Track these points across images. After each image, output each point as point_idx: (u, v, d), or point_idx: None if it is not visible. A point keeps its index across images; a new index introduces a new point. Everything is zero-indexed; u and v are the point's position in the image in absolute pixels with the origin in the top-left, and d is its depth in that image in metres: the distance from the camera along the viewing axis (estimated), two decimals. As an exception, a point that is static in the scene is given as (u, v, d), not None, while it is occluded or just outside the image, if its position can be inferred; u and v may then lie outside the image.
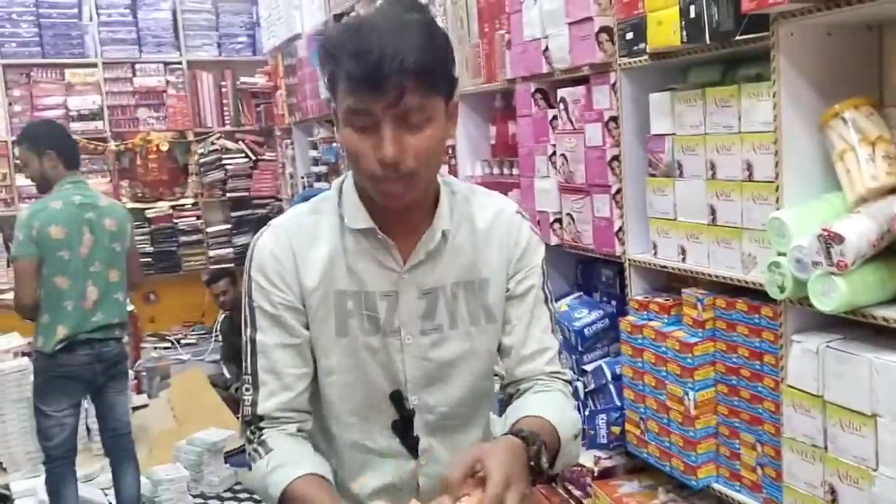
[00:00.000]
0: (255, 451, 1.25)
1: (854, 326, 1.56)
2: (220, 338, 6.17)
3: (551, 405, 1.25)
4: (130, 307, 6.23)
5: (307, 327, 1.27)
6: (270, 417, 1.26)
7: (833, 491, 1.54)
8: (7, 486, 4.29)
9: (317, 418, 1.33)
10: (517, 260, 1.31)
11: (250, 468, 1.27)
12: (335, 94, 1.18)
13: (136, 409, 5.25)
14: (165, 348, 6.34)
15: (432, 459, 1.32)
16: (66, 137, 3.52)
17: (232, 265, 6.36)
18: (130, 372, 5.31)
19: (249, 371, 1.28)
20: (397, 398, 1.29)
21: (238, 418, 1.33)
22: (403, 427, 1.30)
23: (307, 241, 1.28)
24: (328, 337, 1.27)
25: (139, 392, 5.69)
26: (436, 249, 1.27)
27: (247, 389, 1.28)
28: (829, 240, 1.43)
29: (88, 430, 4.60)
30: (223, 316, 5.92)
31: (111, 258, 3.48)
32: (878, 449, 1.44)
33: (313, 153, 5.21)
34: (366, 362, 1.27)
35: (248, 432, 1.28)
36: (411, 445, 1.31)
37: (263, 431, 1.26)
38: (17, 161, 3.63)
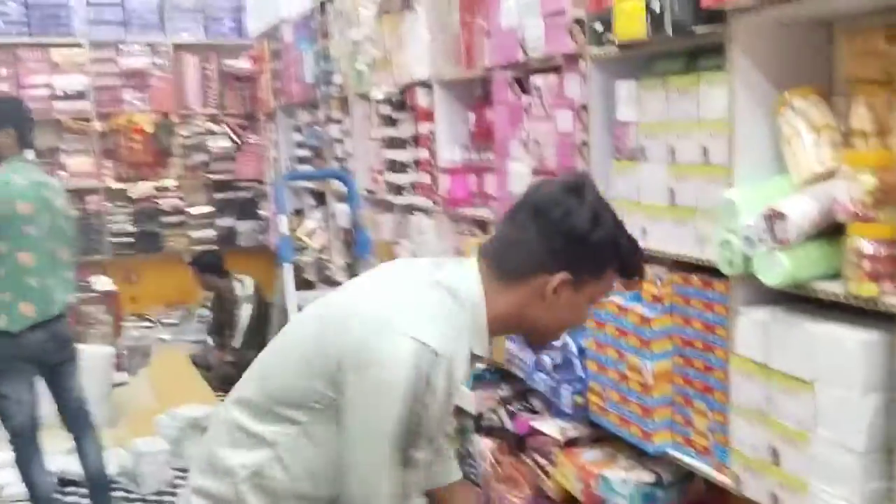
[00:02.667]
0: None
1: (798, 301, 1.68)
2: (209, 311, 6.20)
3: None
4: (112, 287, 6.32)
5: None
6: None
7: (775, 453, 1.66)
8: (-12, 458, 4.36)
9: None
10: None
11: None
12: (598, 275, 1.42)
13: (115, 385, 5.34)
14: (146, 328, 6.42)
15: None
16: (28, 119, 3.48)
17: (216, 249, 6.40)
18: (111, 349, 5.40)
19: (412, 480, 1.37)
20: None
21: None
22: None
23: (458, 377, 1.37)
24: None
25: (119, 370, 5.77)
26: None
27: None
28: (773, 218, 1.55)
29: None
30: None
31: (62, 236, 3.47)
32: (816, 412, 1.57)
33: (297, 137, 5.30)
34: None
35: None
36: None
37: None
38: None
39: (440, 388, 1.29)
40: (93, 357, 4.87)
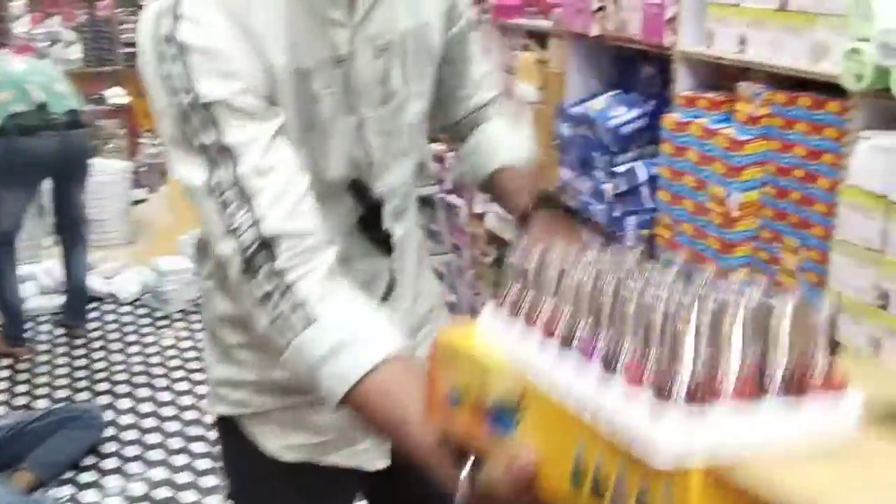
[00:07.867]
0: (279, 307, 0.87)
1: (932, 124, 1.45)
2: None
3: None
4: (126, 100, 6.07)
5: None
6: (285, 236, 0.89)
7: (885, 296, 1.47)
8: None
9: None
10: None
11: (273, 324, 0.88)
12: None
13: (134, 203, 5.21)
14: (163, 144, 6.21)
15: (402, 249, 1.14)
16: None
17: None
18: (128, 163, 5.23)
19: (227, 184, 0.89)
20: (359, 188, 1.06)
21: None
22: (372, 221, 1.09)
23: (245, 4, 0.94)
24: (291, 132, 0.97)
25: (137, 187, 5.63)
26: None
27: (232, 209, 0.89)
28: (931, 19, 1.28)
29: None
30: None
31: None
32: (942, 252, 1.37)
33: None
34: (316, 151, 1.01)
35: (254, 271, 0.88)
36: (383, 240, 1.10)
37: (284, 272, 0.88)
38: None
39: (183, 20, 0.90)
40: (109, 171, 4.72)
